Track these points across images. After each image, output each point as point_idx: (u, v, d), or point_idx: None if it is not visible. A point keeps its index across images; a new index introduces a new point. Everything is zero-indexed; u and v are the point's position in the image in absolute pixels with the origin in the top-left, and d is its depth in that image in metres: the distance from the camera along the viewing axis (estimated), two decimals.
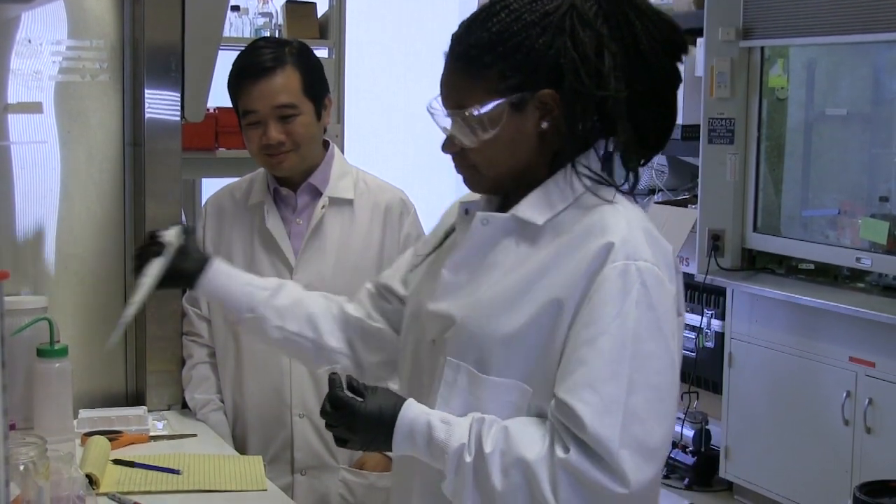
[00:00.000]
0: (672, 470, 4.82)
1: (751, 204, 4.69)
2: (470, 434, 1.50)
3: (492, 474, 1.48)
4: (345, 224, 2.48)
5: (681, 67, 1.63)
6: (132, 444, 2.33)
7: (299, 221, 2.48)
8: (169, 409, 2.58)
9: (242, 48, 2.49)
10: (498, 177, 1.62)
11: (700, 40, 4.71)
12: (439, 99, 1.61)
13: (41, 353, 2.27)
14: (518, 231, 1.59)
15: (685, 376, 4.79)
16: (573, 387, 1.47)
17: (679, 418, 4.72)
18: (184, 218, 2.73)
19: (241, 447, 2.47)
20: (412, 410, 1.54)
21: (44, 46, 2.48)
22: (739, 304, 4.56)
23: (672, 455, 4.79)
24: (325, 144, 2.54)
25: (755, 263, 4.71)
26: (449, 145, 1.62)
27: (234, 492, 2.12)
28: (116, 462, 2.19)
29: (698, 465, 4.74)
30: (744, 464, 4.56)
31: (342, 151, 2.75)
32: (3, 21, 2.45)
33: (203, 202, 2.73)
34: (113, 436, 2.31)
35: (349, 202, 2.49)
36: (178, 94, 2.54)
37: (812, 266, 4.51)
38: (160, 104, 2.53)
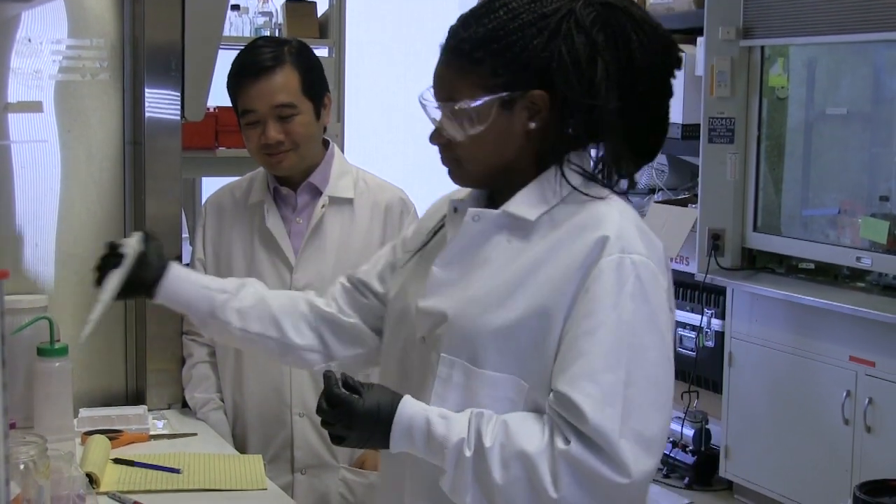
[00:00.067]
0: (672, 469, 4.82)
1: (751, 203, 4.69)
2: (469, 428, 1.51)
3: (492, 468, 1.48)
4: (345, 223, 2.48)
5: (675, 82, 1.64)
6: (132, 443, 2.33)
7: (299, 220, 2.48)
8: (169, 409, 2.58)
9: (242, 47, 2.49)
10: (481, 172, 1.63)
11: (700, 39, 4.71)
12: (431, 90, 1.62)
13: (41, 352, 2.27)
14: (510, 227, 1.60)
15: (685, 375, 4.80)
16: (573, 379, 1.48)
17: (679, 417, 4.73)
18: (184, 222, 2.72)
19: (241, 446, 2.47)
20: (410, 407, 1.54)
21: (44, 45, 2.48)
22: (739, 303, 4.56)
23: (672, 454, 4.80)
24: (325, 144, 2.53)
25: (755, 263, 4.72)
26: (436, 136, 1.64)
27: (234, 491, 2.12)
28: (116, 461, 2.19)
29: (698, 464, 4.75)
30: (744, 463, 4.56)
31: (342, 150, 2.75)
32: (3, 20, 2.45)
33: (203, 201, 2.73)
34: (113, 435, 2.31)
35: (349, 201, 2.49)
36: (179, 93, 2.54)
37: (812, 265, 4.51)
38: (160, 103, 2.53)
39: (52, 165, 2.51)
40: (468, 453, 1.49)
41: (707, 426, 4.76)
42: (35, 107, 2.47)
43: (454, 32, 1.61)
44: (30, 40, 2.47)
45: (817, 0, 4.28)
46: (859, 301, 4.07)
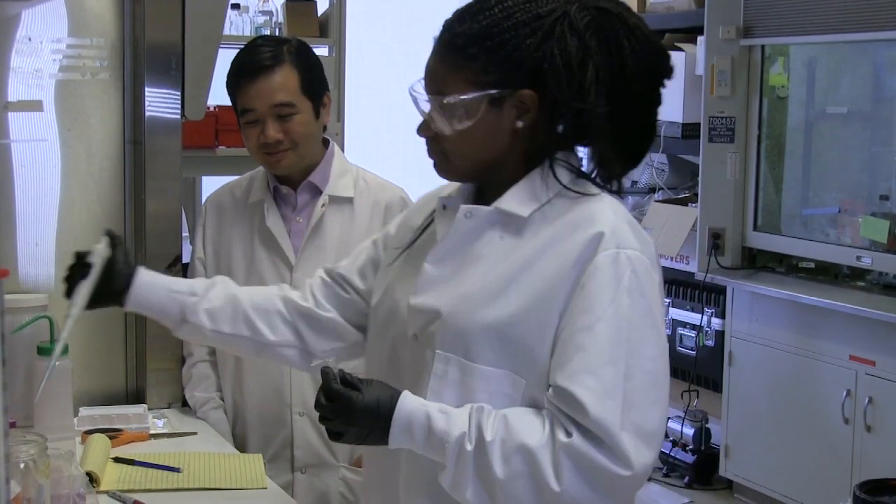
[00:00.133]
0: (672, 468, 4.83)
1: (751, 202, 4.69)
2: (470, 423, 1.51)
3: (493, 463, 1.48)
4: (345, 222, 2.48)
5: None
6: (132, 442, 2.33)
7: (299, 220, 2.48)
8: (169, 408, 2.58)
9: (243, 46, 2.49)
10: (468, 167, 1.64)
11: (700, 39, 4.71)
12: (422, 82, 1.63)
13: (41, 351, 2.27)
14: (502, 223, 1.61)
15: (685, 375, 4.80)
16: (573, 373, 1.48)
17: (679, 417, 4.73)
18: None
19: (241, 445, 2.47)
20: (409, 402, 1.54)
21: (44, 44, 2.48)
22: (740, 302, 4.57)
23: (672, 453, 4.80)
24: (325, 143, 2.53)
25: (755, 262, 4.72)
26: (424, 129, 1.64)
27: (234, 490, 2.12)
28: (117, 460, 2.19)
29: (698, 463, 4.75)
30: (744, 462, 4.56)
31: (342, 150, 2.75)
32: (3, 19, 2.45)
33: (203, 200, 2.73)
34: (113, 434, 2.31)
35: (349, 200, 2.49)
36: (179, 93, 2.54)
37: (812, 265, 4.51)
38: (160, 102, 2.53)
39: (53, 164, 2.51)
40: (469, 447, 1.49)
41: (707, 425, 4.76)
42: (35, 106, 2.47)
43: (449, 26, 1.62)
44: (30, 39, 2.47)
45: None
46: (860, 300, 4.07)
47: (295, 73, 2.40)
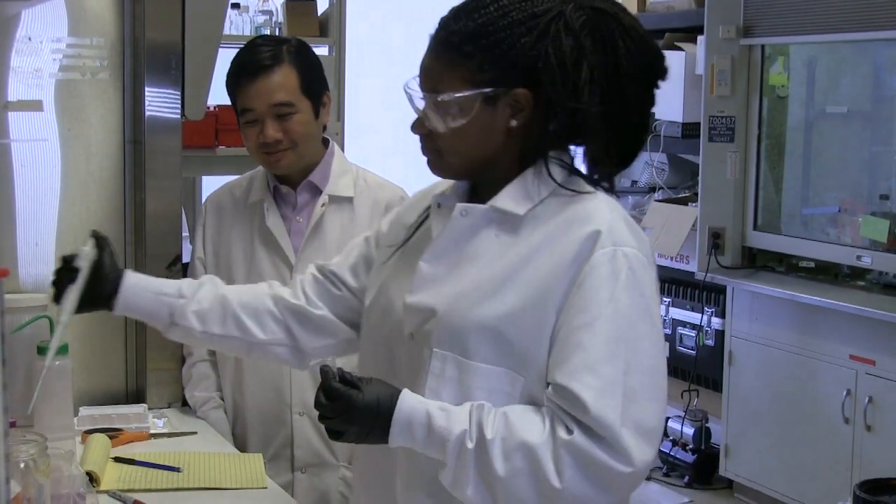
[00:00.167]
0: (672, 468, 4.83)
1: (751, 202, 4.69)
2: (470, 421, 1.51)
3: (494, 460, 1.48)
4: (345, 222, 2.48)
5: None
6: (132, 441, 2.33)
7: (299, 219, 2.48)
8: (169, 407, 2.58)
9: (242, 46, 2.49)
10: (461, 164, 1.64)
11: (700, 38, 4.71)
12: (417, 79, 1.63)
13: (41, 351, 2.27)
14: (498, 221, 1.61)
15: (685, 374, 4.80)
16: (573, 371, 1.49)
17: (679, 416, 4.73)
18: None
19: (241, 445, 2.47)
20: (409, 400, 1.54)
21: (44, 44, 2.48)
22: (740, 302, 4.57)
23: (672, 453, 4.80)
24: (325, 142, 2.53)
25: (755, 261, 4.72)
26: (418, 126, 1.64)
27: (234, 489, 2.12)
28: (117, 460, 2.19)
29: (698, 462, 4.75)
30: (744, 462, 4.56)
31: (342, 149, 2.75)
32: (3, 19, 2.45)
33: (203, 200, 2.73)
34: (113, 433, 2.31)
35: (349, 200, 2.49)
36: (179, 92, 2.54)
37: (812, 264, 4.51)
38: (160, 102, 2.53)
39: (52, 164, 2.51)
40: (470, 445, 1.50)
41: (707, 425, 4.77)
42: (35, 105, 2.47)
43: (444, 24, 1.62)
44: (30, 39, 2.47)
45: None
46: (859, 300, 4.07)
47: (294, 73, 2.40)
